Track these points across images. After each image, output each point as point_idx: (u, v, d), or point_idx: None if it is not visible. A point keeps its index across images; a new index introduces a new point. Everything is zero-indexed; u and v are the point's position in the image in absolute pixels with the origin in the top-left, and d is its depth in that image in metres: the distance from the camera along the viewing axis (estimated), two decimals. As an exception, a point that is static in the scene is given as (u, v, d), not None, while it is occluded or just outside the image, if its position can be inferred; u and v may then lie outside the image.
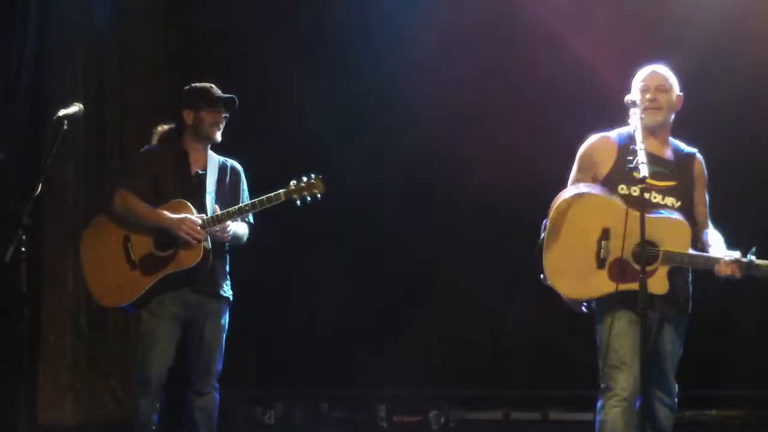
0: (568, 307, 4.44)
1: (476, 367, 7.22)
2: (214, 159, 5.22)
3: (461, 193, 7.17)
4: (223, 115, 5.15)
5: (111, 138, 7.41)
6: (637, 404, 4.20)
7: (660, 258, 4.23)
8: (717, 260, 4.23)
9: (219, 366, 5.12)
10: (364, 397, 7.27)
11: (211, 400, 5.11)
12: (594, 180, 4.45)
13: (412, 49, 6.96)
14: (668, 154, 4.48)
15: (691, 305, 4.47)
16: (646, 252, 4.14)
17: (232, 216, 5.03)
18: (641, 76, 4.51)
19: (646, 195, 4.26)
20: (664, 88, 4.46)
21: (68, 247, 6.95)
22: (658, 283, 4.22)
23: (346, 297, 7.14)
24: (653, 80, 4.47)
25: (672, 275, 4.27)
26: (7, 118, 6.90)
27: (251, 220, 5.23)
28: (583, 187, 4.41)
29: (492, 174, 6.75)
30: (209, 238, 4.99)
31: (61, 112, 4.58)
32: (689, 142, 4.57)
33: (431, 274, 7.23)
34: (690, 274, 4.45)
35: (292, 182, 5.03)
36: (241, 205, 5.09)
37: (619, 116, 4.48)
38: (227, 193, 5.18)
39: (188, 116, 5.14)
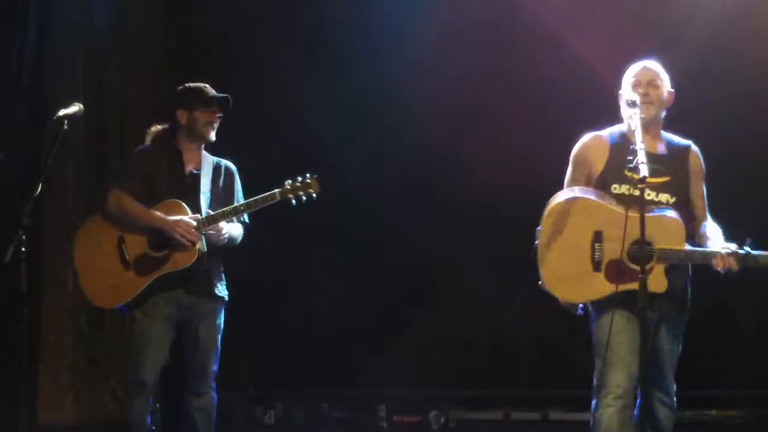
0: (567, 309, 4.44)
1: (476, 367, 7.22)
2: (208, 159, 5.21)
3: (461, 193, 7.17)
4: (217, 115, 5.15)
5: (111, 138, 7.41)
6: (637, 404, 4.20)
7: (655, 256, 4.22)
8: (714, 254, 4.21)
9: (215, 366, 5.11)
10: (364, 397, 7.27)
11: (208, 400, 5.11)
12: (589, 179, 4.45)
13: (412, 49, 6.95)
14: (661, 149, 4.46)
15: (690, 304, 4.46)
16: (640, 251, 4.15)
17: (227, 216, 5.02)
18: (632, 71, 4.51)
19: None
20: (655, 83, 4.45)
21: (68, 247, 6.85)
22: (656, 282, 4.21)
23: (346, 297, 7.13)
24: (644, 76, 4.47)
25: (670, 273, 4.26)
26: (7, 118, 6.90)
27: (246, 220, 5.21)
28: (571, 192, 4.41)
29: (492, 174, 6.74)
30: (204, 239, 4.99)
31: (61, 112, 4.58)
32: (688, 140, 4.56)
33: (431, 274, 7.23)
34: (689, 272, 4.44)
35: (287, 182, 5.01)
36: (236, 204, 5.08)
37: (620, 116, 4.50)
38: (221, 193, 5.18)
39: (182, 116, 5.14)
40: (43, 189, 4.41)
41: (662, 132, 4.53)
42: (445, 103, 7.08)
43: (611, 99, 4.59)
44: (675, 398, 4.46)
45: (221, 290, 5.15)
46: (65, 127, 4.54)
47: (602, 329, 4.32)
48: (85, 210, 7.06)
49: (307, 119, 7.21)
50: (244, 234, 5.21)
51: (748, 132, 6.62)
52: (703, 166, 4.53)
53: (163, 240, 4.98)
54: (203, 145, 5.20)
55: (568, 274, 4.32)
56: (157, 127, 5.27)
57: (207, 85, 5.18)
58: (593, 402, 4.33)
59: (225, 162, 5.28)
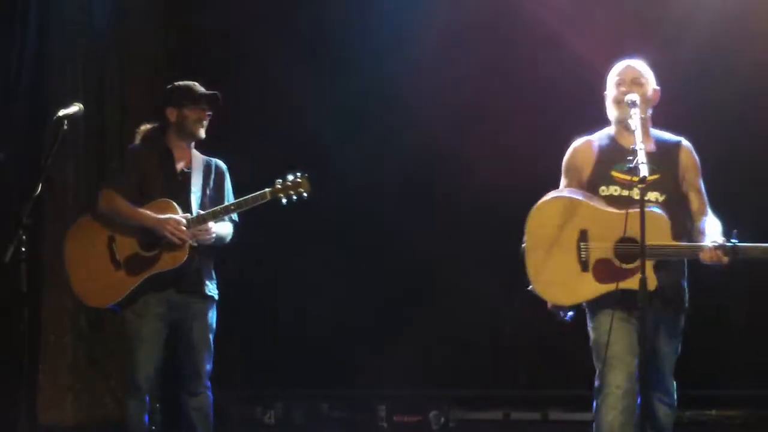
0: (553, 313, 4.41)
1: (476, 367, 7.22)
2: (198, 157, 5.21)
3: (461, 193, 7.17)
4: (207, 112, 5.14)
5: (111, 138, 7.40)
6: (638, 404, 4.19)
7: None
8: (701, 248, 4.17)
9: (209, 366, 5.10)
10: (364, 397, 7.26)
11: (205, 399, 5.10)
12: (580, 184, 4.44)
13: (412, 49, 6.95)
14: (650, 147, 4.38)
15: (687, 303, 4.44)
16: (627, 249, 4.14)
17: (217, 215, 5.02)
18: (616, 70, 4.50)
19: (629, 192, 4.27)
20: (639, 81, 4.43)
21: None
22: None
23: (346, 297, 7.13)
24: (628, 74, 4.45)
25: (660, 271, 4.21)
26: (7, 118, 6.91)
27: (236, 219, 5.20)
28: (555, 192, 4.41)
29: (492, 174, 6.74)
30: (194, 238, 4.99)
31: (61, 112, 4.58)
32: (688, 140, 4.56)
33: (431, 274, 7.23)
34: (685, 270, 4.41)
35: (278, 181, 5.00)
36: (226, 204, 5.08)
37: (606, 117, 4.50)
38: (212, 191, 5.17)
39: (172, 114, 5.14)
40: (43, 189, 4.41)
41: (651, 129, 4.49)
42: (445, 103, 7.08)
43: (611, 99, 4.58)
44: (675, 397, 4.46)
45: (212, 289, 5.14)
46: (65, 127, 4.54)
47: (599, 330, 4.30)
48: (85, 210, 7.06)
49: (307, 119, 7.21)
50: (233, 233, 5.20)
51: (748, 132, 6.62)
52: (697, 160, 4.47)
53: (154, 239, 4.97)
54: (193, 144, 5.20)
55: (556, 276, 4.29)
56: (146, 126, 5.27)
57: (196, 83, 5.18)
58: (594, 402, 4.32)
59: (215, 161, 5.27)
